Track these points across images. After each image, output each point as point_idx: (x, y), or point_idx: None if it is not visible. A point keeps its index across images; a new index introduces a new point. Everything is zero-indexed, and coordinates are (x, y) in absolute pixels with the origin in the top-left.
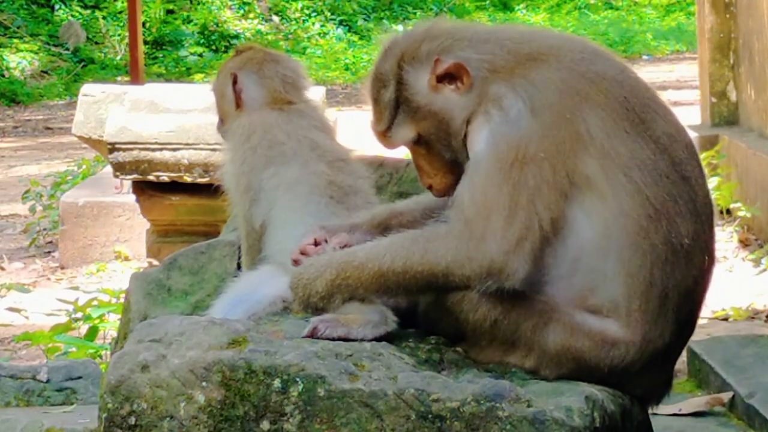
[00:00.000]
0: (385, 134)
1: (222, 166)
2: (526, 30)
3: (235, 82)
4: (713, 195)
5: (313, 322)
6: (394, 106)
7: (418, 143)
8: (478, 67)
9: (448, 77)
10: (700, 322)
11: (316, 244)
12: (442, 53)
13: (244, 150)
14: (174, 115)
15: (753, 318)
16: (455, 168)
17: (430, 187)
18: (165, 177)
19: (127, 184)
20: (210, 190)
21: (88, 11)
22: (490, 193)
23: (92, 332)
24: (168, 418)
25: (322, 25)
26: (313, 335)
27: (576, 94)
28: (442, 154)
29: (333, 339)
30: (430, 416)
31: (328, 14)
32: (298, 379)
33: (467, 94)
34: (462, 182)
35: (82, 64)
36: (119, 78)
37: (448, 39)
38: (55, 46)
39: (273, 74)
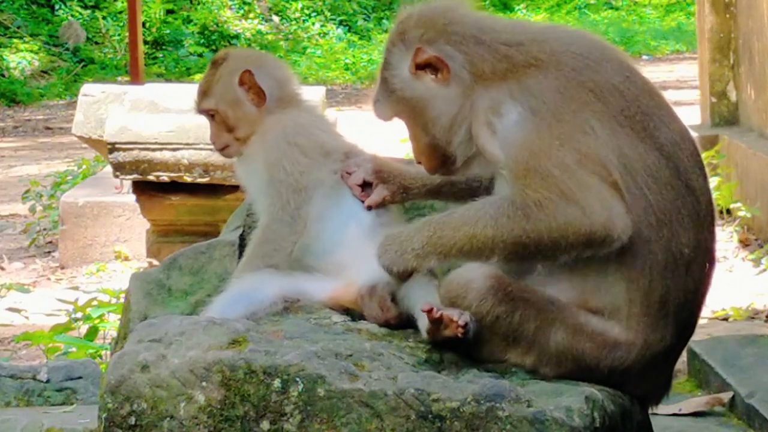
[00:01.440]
0: (373, 105)
1: (247, 166)
2: (530, 30)
3: (244, 82)
4: (713, 195)
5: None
6: (380, 82)
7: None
8: (461, 65)
9: (429, 67)
10: (700, 322)
11: (363, 183)
12: (426, 43)
13: (291, 151)
14: (174, 115)
15: (753, 318)
16: (438, 153)
17: (419, 163)
18: (165, 177)
19: (127, 184)
20: (210, 190)
21: (88, 11)
22: (549, 182)
23: (92, 332)
24: (168, 418)
25: (322, 25)
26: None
27: (573, 100)
28: (420, 139)
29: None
30: (430, 416)
31: (328, 14)
32: (298, 379)
33: (449, 89)
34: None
35: (82, 64)
36: (119, 78)
37: (437, 29)
38: (55, 46)
39: (277, 70)
